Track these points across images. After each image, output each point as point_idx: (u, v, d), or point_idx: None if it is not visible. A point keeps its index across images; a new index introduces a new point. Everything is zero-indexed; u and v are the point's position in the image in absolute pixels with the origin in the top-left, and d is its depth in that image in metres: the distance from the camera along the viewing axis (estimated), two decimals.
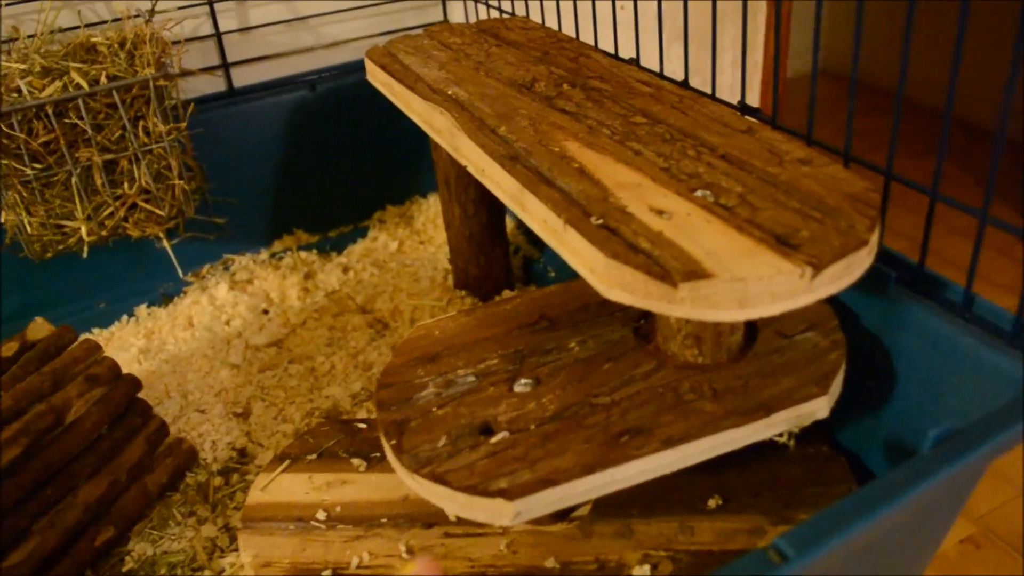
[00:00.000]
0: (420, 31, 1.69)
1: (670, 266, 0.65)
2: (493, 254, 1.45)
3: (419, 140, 1.43)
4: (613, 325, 0.89)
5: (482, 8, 1.64)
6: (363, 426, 1.06)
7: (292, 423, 1.28)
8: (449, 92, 1.04)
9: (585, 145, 0.86)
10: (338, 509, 0.95)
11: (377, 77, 1.20)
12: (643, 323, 0.90)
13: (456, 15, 1.74)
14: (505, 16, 1.52)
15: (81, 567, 1.09)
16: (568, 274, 1.37)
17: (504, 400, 0.81)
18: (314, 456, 1.02)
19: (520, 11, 1.52)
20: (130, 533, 1.15)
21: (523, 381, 0.83)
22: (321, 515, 0.95)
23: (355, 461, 1.00)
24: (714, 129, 0.88)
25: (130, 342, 1.54)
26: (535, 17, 1.48)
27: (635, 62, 1.22)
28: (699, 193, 0.75)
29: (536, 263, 1.54)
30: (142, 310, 1.62)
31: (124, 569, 1.11)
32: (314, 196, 1.72)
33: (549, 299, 0.96)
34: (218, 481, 1.22)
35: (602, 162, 0.82)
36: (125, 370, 1.42)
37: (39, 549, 1.05)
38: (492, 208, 1.39)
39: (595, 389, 0.80)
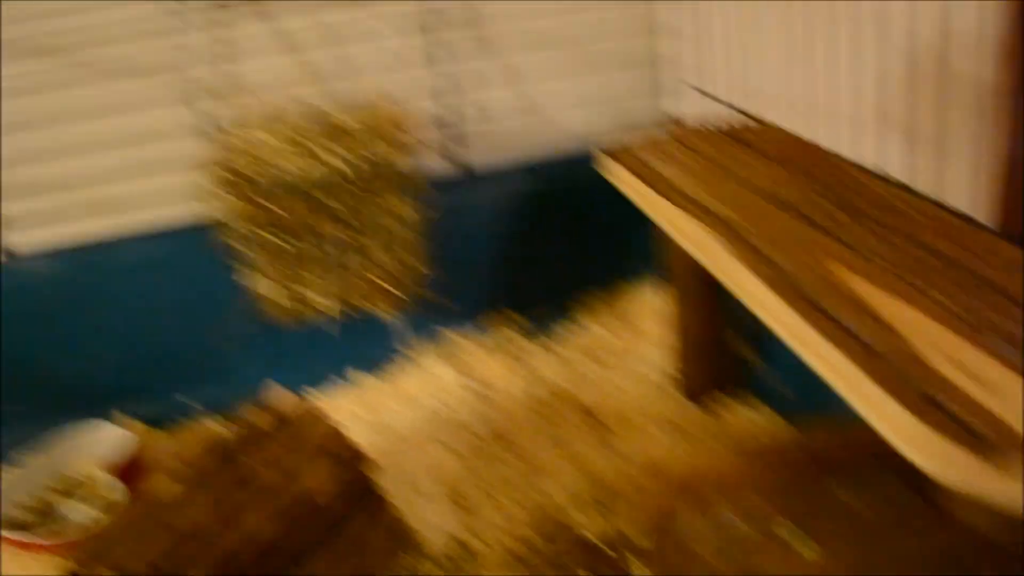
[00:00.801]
0: (650, 122, 1.70)
1: (995, 441, 0.61)
2: (721, 361, 1.41)
3: (637, 230, 1.42)
4: (890, 477, 0.84)
5: (711, 101, 1.62)
6: (611, 554, 1.03)
7: (513, 519, 1.26)
8: (710, 207, 1.03)
9: (863, 277, 0.82)
10: None
11: (623, 178, 1.20)
12: (928, 482, 0.84)
13: (683, 107, 1.73)
14: (743, 114, 1.50)
15: None
16: (802, 388, 1.31)
17: (775, 550, 0.78)
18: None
19: (754, 108, 1.49)
20: None
21: (792, 530, 0.79)
22: None
23: None
24: (997, 265, 0.82)
25: (352, 411, 1.59)
26: (771, 113, 1.45)
27: (906, 188, 1.14)
28: (1005, 350, 0.70)
29: (765, 372, 1.49)
30: (364, 379, 1.68)
31: None
32: (532, 279, 1.75)
33: (817, 440, 0.92)
34: (436, 570, 1.22)
35: (888, 302, 0.78)
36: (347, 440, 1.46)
37: None
38: (725, 315, 1.36)
39: (879, 557, 0.75)
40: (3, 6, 1.42)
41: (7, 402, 1.61)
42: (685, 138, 1.29)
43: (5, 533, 1.34)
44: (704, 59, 1.61)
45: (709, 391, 1.42)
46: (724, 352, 1.39)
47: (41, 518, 1.39)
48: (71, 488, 1.47)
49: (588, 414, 1.47)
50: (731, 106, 1.53)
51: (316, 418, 1.23)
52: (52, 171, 1.56)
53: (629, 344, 1.66)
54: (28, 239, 1.61)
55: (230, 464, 1.12)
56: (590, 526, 1.20)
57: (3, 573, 1.30)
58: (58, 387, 1.63)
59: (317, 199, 1.32)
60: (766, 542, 0.79)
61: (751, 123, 1.35)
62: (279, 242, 1.33)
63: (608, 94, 1.71)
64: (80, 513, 1.40)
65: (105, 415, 1.62)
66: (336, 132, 1.44)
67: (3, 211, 1.57)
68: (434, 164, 1.65)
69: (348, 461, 1.18)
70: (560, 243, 1.74)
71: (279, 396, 1.27)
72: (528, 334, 1.71)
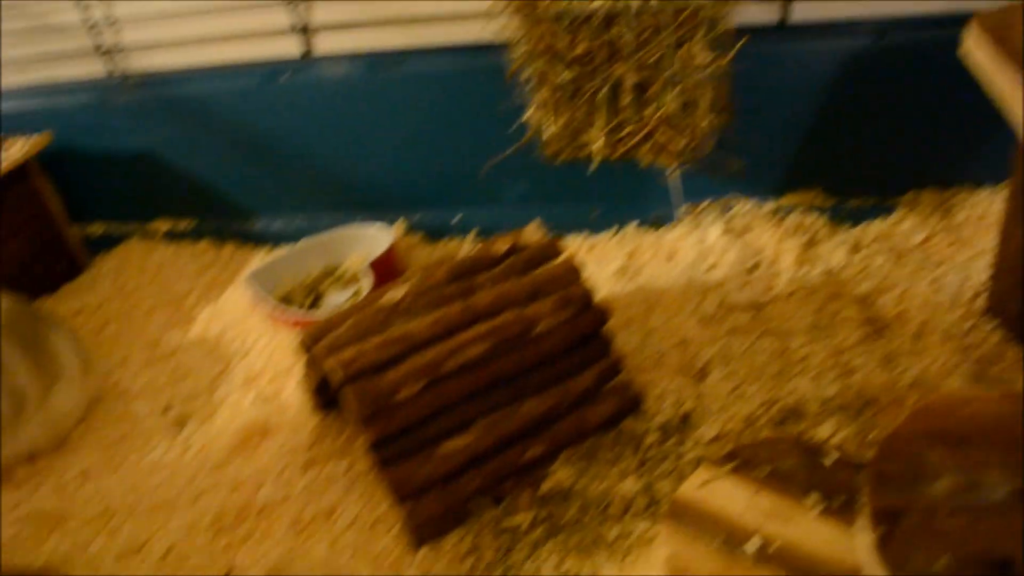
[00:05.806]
0: None
1: None
2: None
3: (988, 122, 1.14)
4: None
5: None
6: (831, 459, 0.88)
7: (749, 404, 1.15)
8: None
9: None
10: (776, 545, 0.81)
11: (982, 50, 0.95)
12: None
13: None
14: None
15: (504, 473, 1.10)
16: None
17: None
18: (765, 471, 0.89)
19: None
20: (556, 458, 1.14)
21: None
22: (754, 544, 0.82)
23: (810, 498, 0.84)
24: None
25: (611, 256, 1.52)
26: None
27: None
28: None
29: None
30: (631, 228, 1.59)
31: (539, 492, 1.10)
32: (842, 156, 1.51)
33: None
34: (653, 438, 1.15)
35: None
36: (600, 285, 1.39)
37: (474, 445, 1.07)
38: None
39: None
40: None
41: (293, 193, 1.72)
42: None
43: (270, 307, 1.44)
44: None
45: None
46: None
47: (303, 296, 1.48)
48: (334, 274, 1.55)
49: (869, 315, 1.26)
50: None
51: (556, 256, 1.17)
52: None
53: (946, 253, 1.40)
54: (330, 44, 1.65)
55: (457, 282, 1.10)
56: (829, 435, 1.05)
57: (259, 341, 1.42)
58: (341, 185, 1.72)
59: (612, 35, 1.19)
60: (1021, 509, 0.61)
61: None
62: (564, 76, 1.23)
63: None
64: (336, 297, 1.48)
65: (381, 218, 1.68)
66: None
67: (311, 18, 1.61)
68: (752, 9, 1.43)
69: (577, 303, 1.11)
70: (895, 122, 1.47)
71: (534, 230, 1.21)
72: (830, 218, 1.50)
